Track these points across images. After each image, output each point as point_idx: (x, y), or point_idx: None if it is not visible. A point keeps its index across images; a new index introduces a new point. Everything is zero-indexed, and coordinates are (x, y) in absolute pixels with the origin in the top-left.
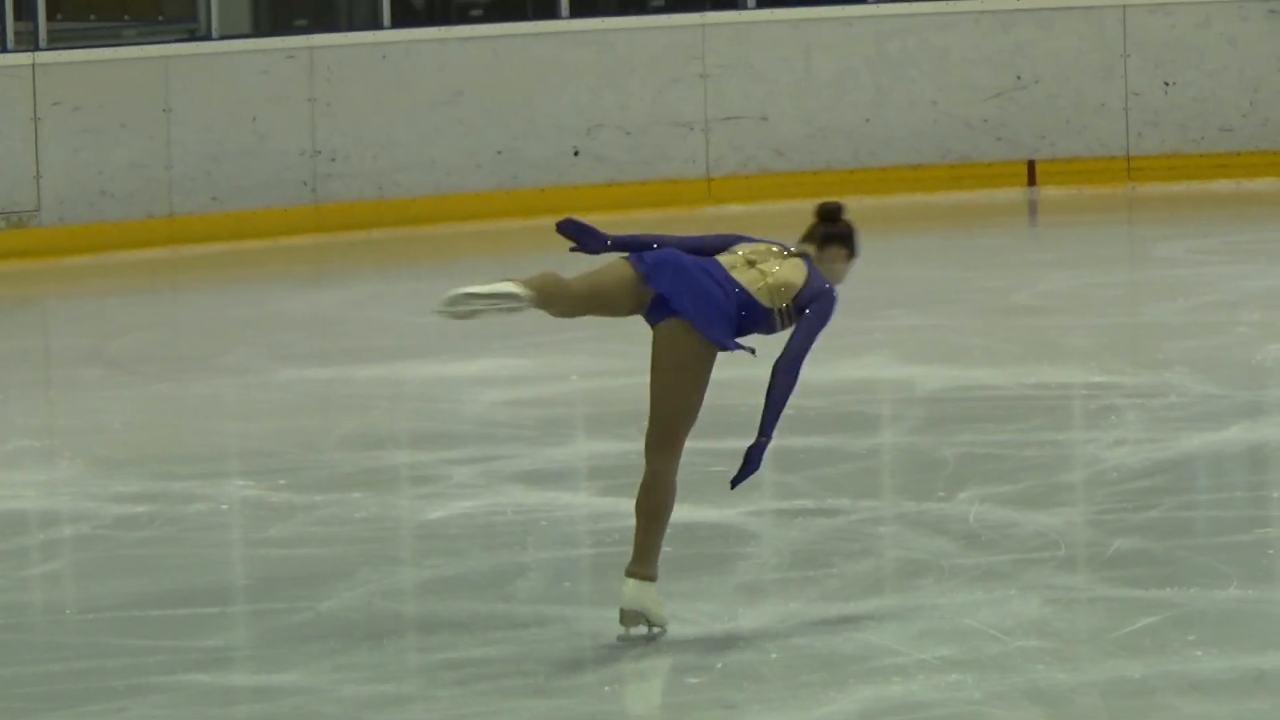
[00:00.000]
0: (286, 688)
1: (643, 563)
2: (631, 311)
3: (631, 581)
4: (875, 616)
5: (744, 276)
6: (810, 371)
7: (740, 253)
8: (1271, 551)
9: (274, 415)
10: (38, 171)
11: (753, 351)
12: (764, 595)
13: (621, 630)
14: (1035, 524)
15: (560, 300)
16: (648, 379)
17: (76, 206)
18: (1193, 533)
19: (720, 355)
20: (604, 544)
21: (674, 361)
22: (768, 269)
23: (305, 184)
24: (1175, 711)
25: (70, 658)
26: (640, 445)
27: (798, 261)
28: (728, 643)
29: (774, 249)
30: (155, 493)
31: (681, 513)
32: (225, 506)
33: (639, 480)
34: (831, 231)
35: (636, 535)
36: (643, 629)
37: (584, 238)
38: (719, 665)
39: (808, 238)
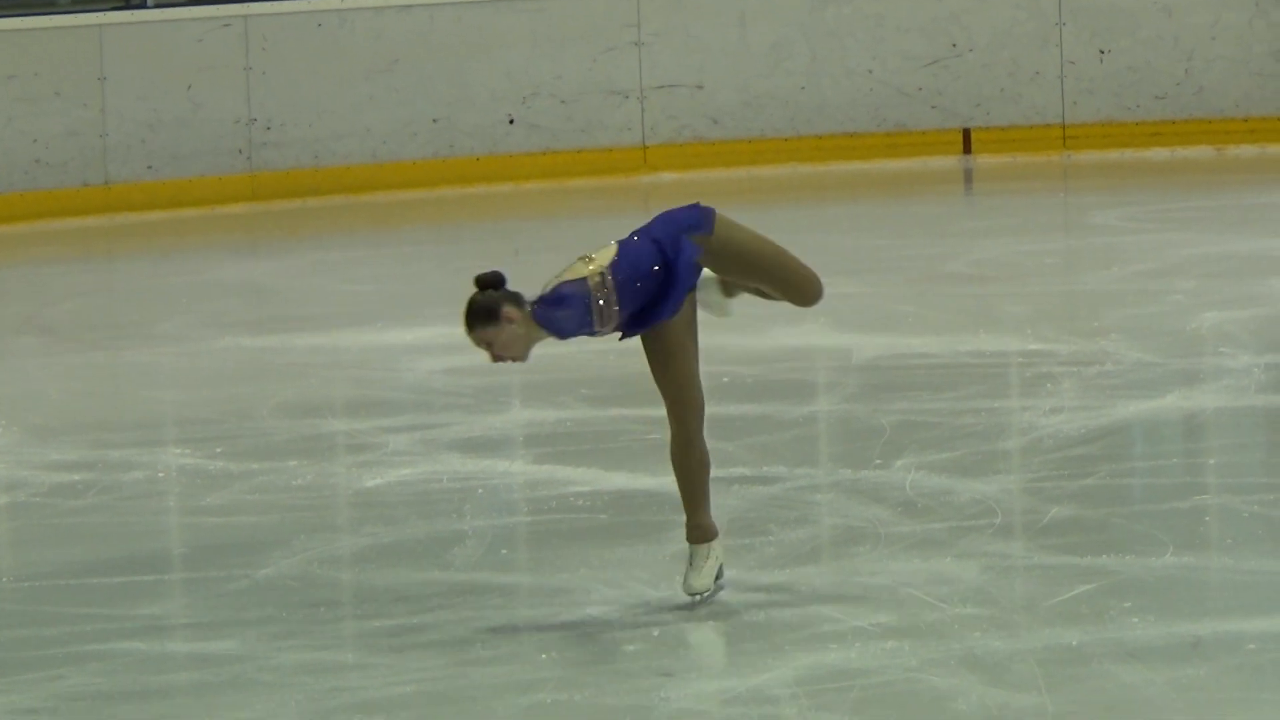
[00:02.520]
0: (223, 655)
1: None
2: None
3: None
4: (812, 584)
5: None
6: (746, 339)
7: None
8: (1208, 518)
9: (211, 383)
10: None
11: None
12: None
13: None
14: (972, 492)
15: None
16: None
17: (11, 175)
18: (1129, 500)
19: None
20: (541, 511)
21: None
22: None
23: (241, 152)
24: (1112, 679)
25: (6, 626)
26: (581, 413)
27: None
28: (665, 611)
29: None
30: (91, 461)
31: (618, 480)
32: (162, 474)
33: (576, 447)
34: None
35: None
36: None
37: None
38: (656, 633)
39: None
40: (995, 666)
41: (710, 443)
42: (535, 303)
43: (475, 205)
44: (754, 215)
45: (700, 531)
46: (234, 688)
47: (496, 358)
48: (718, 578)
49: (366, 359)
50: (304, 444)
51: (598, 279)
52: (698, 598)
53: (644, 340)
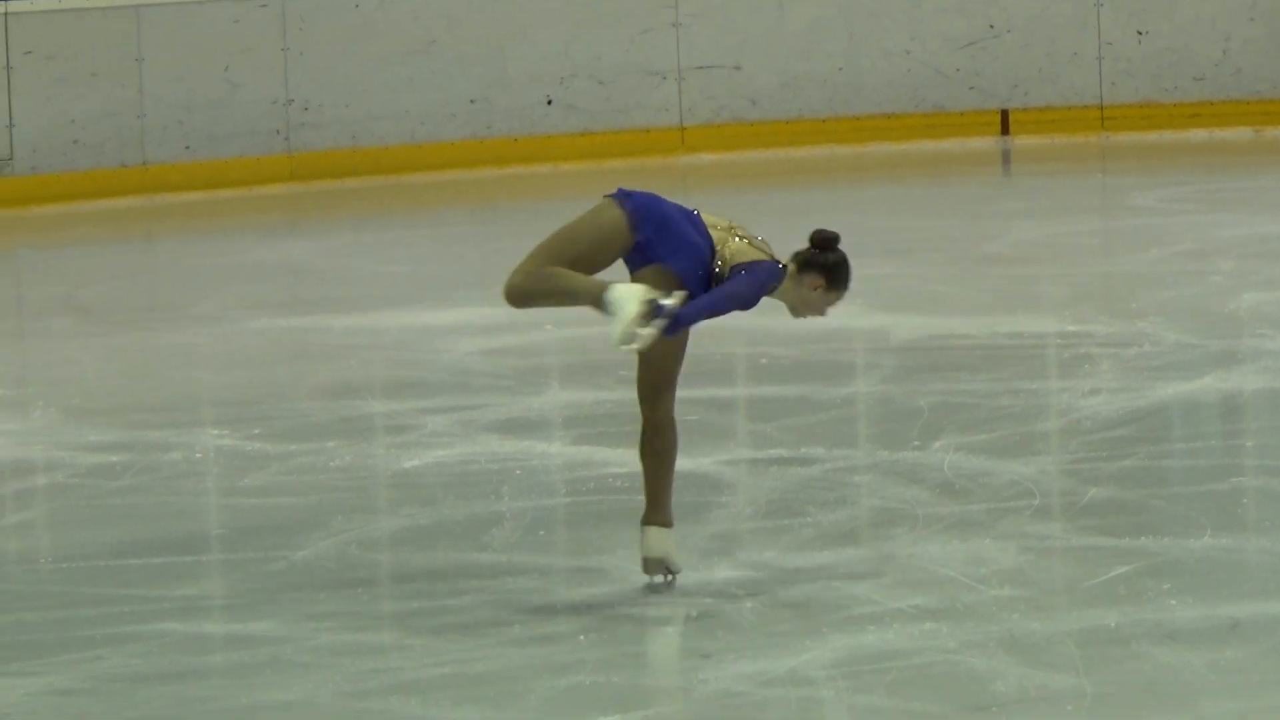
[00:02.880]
0: (261, 636)
1: (660, 509)
2: (614, 260)
3: (652, 529)
4: (850, 566)
5: (716, 234)
6: (783, 320)
7: (712, 219)
8: (1245, 500)
9: (248, 364)
10: (10, 120)
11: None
12: (739, 545)
13: (647, 580)
14: (1010, 473)
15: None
16: None
17: (49, 155)
18: (1167, 482)
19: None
20: (579, 493)
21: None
22: (733, 238)
23: (278, 133)
24: (1150, 660)
25: (44, 607)
26: (619, 395)
27: (761, 252)
28: (702, 592)
29: (739, 229)
30: (129, 442)
31: None
32: (199, 455)
33: (614, 429)
34: (817, 259)
35: (648, 482)
36: (661, 577)
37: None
38: (694, 614)
39: (794, 257)
40: (1033, 648)
41: (749, 424)
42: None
43: (513, 186)
44: (792, 197)
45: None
46: (271, 669)
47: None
48: (667, 573)
49: (404, 340)
50: (342, 425)
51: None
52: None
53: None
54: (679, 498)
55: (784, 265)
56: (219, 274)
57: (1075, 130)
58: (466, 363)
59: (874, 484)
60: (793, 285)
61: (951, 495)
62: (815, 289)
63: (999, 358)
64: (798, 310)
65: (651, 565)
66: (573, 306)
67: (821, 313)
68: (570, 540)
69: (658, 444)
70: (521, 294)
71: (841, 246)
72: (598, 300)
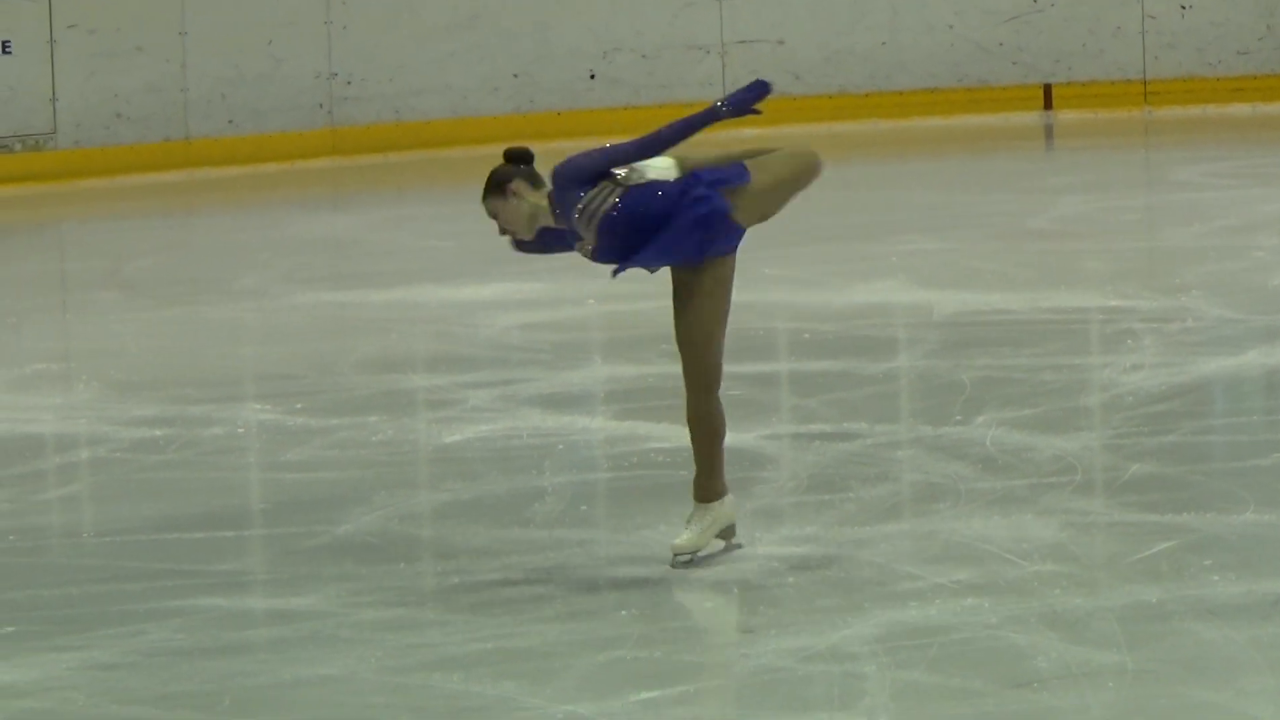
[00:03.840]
0: (303, 611)
1: (716, 481)
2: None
3: (729, 498)
4: (892, 540)
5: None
6: (825, 295)
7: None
8: None
9: (290, 339)
10: (54, 95)
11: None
12: (781, 519)
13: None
14: (1052, 448)
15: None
16: (668, 305)
17: (92, 130)
18: (1210, 457)
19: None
20: (621, 468)
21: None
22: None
23: (321, 107)
24: (1192, 636)
25: (87, 581)
26: (661, 369)
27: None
28: (745, 567)
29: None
30: (172, 416)
31: None
32: (242, 430)
33: (657, 403)
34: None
35: (701, 456)
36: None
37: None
38: (735, 590)
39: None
40: (1075, 624)
41: (791, 399)
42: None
43: (555, 160)
44: (836, 172)
45: (703, 490)
46: (313, 644)
47: (502, 231)
48: (727, 540)
49: (446, 314)
50: (384, 399)
51: (613, 185)
52: (682, 558)
53: (673, 282)
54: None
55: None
56: (261, 248)
57: (1118, 105)
58: (508, 337)
59: (916, 459)
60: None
61: (994, 470)
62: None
63: (1041, 333)
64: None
65: (728, 532)
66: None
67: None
68: (612, 515)
69: (710, 424)
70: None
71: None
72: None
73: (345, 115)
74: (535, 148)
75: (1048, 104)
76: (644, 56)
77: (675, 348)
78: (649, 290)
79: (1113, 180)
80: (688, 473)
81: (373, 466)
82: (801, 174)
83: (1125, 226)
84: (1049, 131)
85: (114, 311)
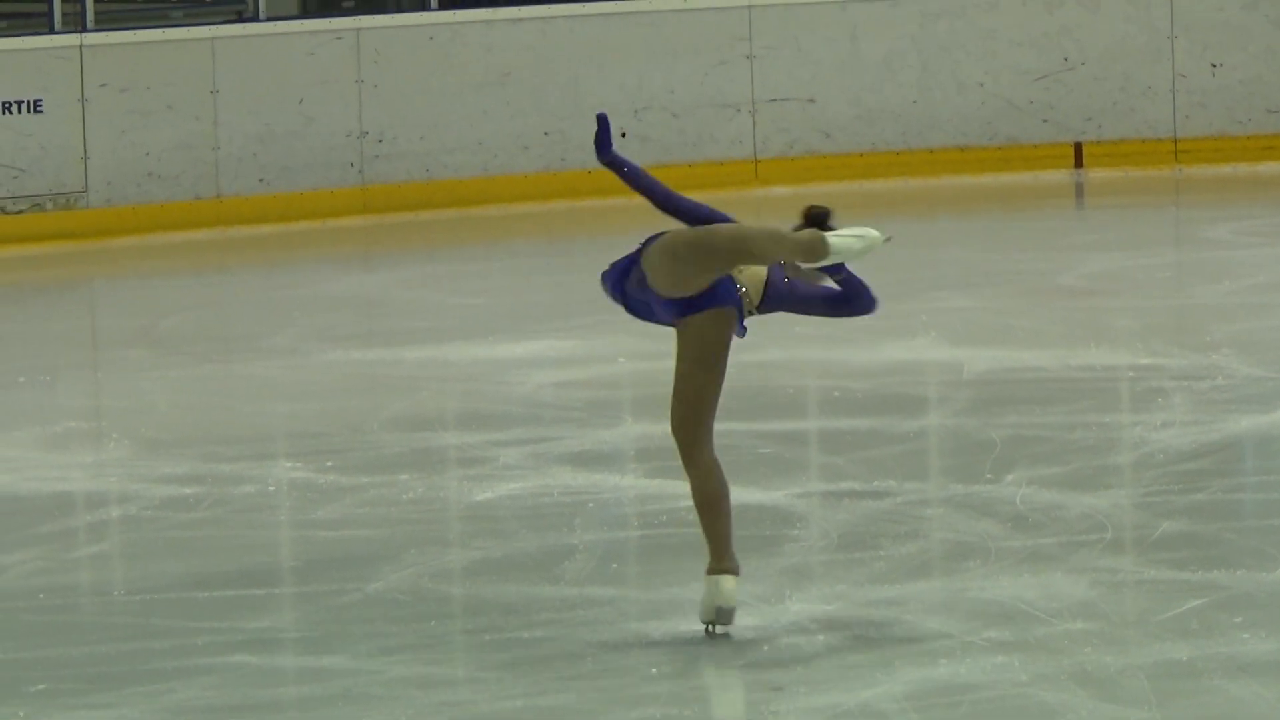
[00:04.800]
0: (333, 670)
1: (720, 557)
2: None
3: (728, 578)
4: (922, 599)
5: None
6: (856, 353)
7: None
8: None
9: (321, 396)
10: (85, 153)
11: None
12: (811, 577)
13: (712, 629)
14: (1082, 506)
15: None
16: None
17: (124, 188)
18: (1240, 515)
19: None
20: (652, 526)
21: (716, 344)
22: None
23: (352, 165)
24: (1223, 694)
25: (117, 639)
26: None
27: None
28: (774, 625)
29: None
30: (202, 474)
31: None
32: (272, 488)
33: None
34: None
35: (709, 530)
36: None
37: (601, 135)
38: (765, 647)
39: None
40: (1105, 681)
41: (821, 457)
42: None
43: (586, 219)
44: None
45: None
46: (344, 701)
47: None
48: (713, 623)
49: (477, 372)
50: (415, 457)
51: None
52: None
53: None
54: (752, 531)
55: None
56: (292, 306)
57: (1149, 163)
58: (539, 395)
59: (946, 517)
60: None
61: (1024, 529)
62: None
63: (1072, 391)
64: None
65: (724, 615)
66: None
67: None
68: (642, 573)
69: (710, 489)
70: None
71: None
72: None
73: (376, 173)
74: (565, 205)
75: (1078, 162)
76: (675, 115)
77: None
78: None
79: (1143, 238)
80: None
81: (403, 524)
82: (736, 251)
83: (1156, 284)
84: (1079, 189)
85: (145, 369)
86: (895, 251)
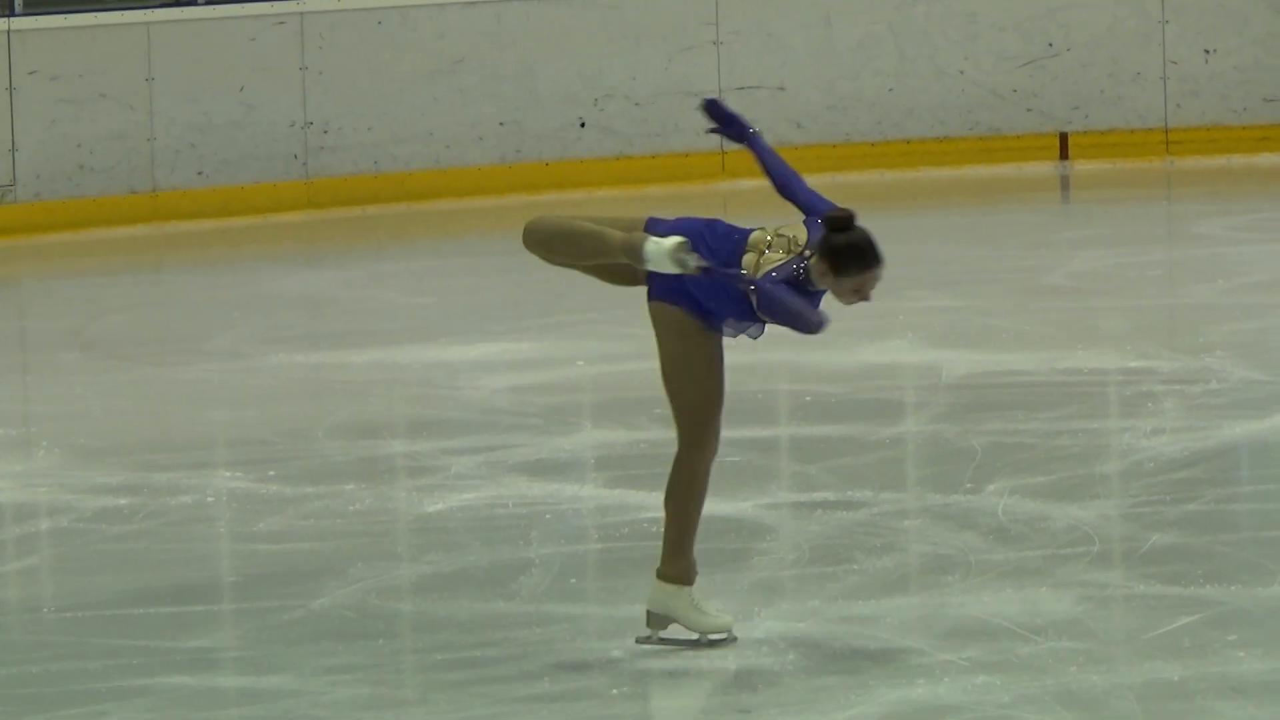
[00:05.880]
0: (276, 690)
1: (665, 561)
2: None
3: (656, 583)
4: (899, 615)
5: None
6: (829, 355)
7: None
8: None
9: (263, 402)
10: (13, 144)
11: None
12: (782, 593)
13: (644, 633)
14: (1068, 517)
15: (565, 252)
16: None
17: (54, 181)
18: (1234, 527)
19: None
20: (612, 539)
21: (671, 344)
22: (765, 250)
23: (296, 157)
24: (1215, 715)
25: (48, 658)
26: (653, 435)
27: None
28: (743, 643)
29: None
30: (138, 484)
31: None
32: (212, 499)
33: (649, 471)
34: (824, 245)
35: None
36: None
37: (729, 124)
38: (733, 667)
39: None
40: (1092, 703)
41: (792, 465)
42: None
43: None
44: None
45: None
46: None
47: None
48: (651, 630)
49: (428, 376)
50: (362, 466)
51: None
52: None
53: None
54: (719, 543)
55: (808, 256)
56: (233, 307)
57: (1138, 154)
58: (493, 401)
59: (924, 529)
60: (817, 275)
61: (1006, 541)
62: (824, 277)
63: (1057, 395)
64: (841, 299)
65: (652, 620)
66: (594, 261)
67: (850, 301)
68: (602, 589)
69: (667, 492)
70: (543, 231)
71: (859, 225)
72: (634, 249)
73: (321, 166)
74: (521, 200)
75: (1064, 153)
76: (637, 104)
77: (669, 411)
78: (639, 350)
79: (1132, 234)
80: None
81: (349, 537)
82: (573, 249)
83: (1146, 283)
84: (1065, 182)
85: (77, 373)
86: None
